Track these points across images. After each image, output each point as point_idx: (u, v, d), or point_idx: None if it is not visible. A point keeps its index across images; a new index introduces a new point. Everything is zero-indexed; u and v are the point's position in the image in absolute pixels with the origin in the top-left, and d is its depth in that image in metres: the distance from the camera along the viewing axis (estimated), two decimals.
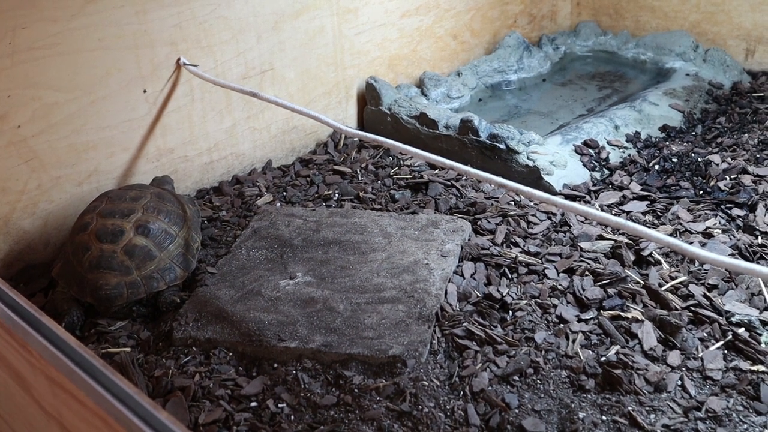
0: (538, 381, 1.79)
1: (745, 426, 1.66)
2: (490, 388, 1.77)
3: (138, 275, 2.06)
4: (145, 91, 2.45)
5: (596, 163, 2.74)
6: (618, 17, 3.94)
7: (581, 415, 1.69)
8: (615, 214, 2.42)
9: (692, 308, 1.99)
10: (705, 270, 2.14)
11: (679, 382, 1.78)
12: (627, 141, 2.89)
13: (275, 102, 2.35)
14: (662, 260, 2.19)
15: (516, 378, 1.80)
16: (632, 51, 3.77)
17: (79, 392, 1.17)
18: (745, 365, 1.81)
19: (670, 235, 2.23)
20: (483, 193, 2.61)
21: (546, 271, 2.17)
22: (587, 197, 2.58)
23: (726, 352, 1.87)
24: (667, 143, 2.88)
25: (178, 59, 2.51)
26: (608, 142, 2.85)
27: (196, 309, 2.03)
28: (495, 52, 3.73)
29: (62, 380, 1.21)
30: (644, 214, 2.45)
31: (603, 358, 1.84)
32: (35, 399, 1.36)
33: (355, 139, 3.05)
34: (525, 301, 2.05)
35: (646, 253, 2.21)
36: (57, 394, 1.26)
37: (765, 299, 2.01)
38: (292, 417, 1.71)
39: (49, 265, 2.26)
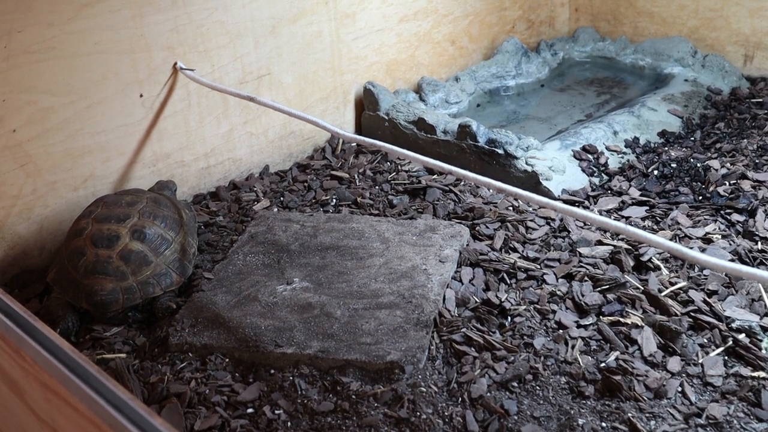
0: (537, 387, 1.78)
1: None
2: (488, 394, 1.76)
3: (134, 280, 2.04)
4: (141, 96, 2.44)
5: (595, 169, 2.73)
6: (616, 23, 3.94)
7: (581, 421, 1.67)
8: (614, 220, 2.41)
9: (692, 314, 1.98)
10: (705, 275, 2.13)
11: (680, 389, 1.76)
12: (626, 146, 2.88)
13: (272, 107, 2.34)
14: (662, 266, 2.17)
15: (515, 384, 1.79)
16: (631, 57, 3.77)
17: (72, 398, 1.16)
18: (745, 371, 1.80)
19: (670, 240, 2.22)
20: (481, 198, 2.60)
21: (545, 276, 2.16)
22: (586, 202, 2.57)
23: (726, 358, 1.85)
24: (666, 149, 2.87)
25: (175, 64, 2.50)
26: (607, 148, 2.84)
27: (192, 314, 2.02)
28: (493, 57, 3.72)
29: (56, 386, 1.20)
30: (643, 219, 2.44)
31: (602, 364, 1.83)
32: (28, 405, 1.35)
33: (353, 144, 3.04)
34: (524, 307, 2.03)
35: (645, 258, 2.20)
36: (50, 400, 1.24)
37: (765, 305, 2.00)
38: (289, 423, 1.70)
39: (45, 270, 2.24)
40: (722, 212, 2.42)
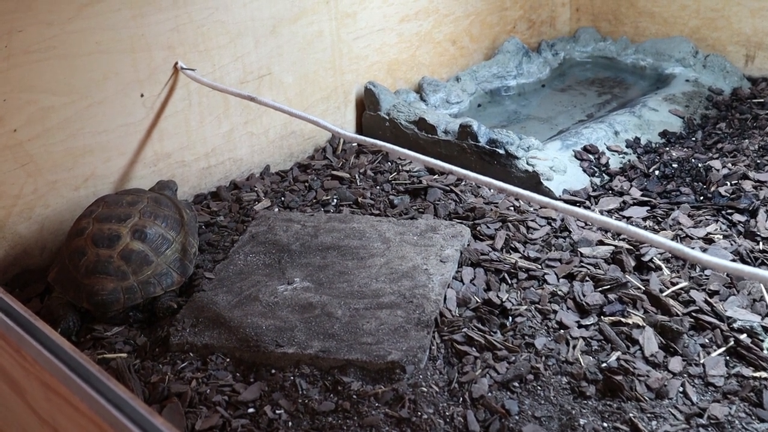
0: (539, 387, 1.78)
1: None
2: (489, 394, 1.76)
3: (135, 280, 2.04)
4: (142, 96, 2.44)
5: (596, 169, 2.72)
6: (617, 23, 3.94)
7: (582, 421, 1.67)
8: (615, 220, 2.41)
9: (693, 314, 1.97)
10: (706, 276, 2.13)
11: (681, 389, 1.76)
12: (627, 146, 2.88)
13: (273, 106, 2.34)
14: (663, 266, 2.17)
15: (516, 384, 1.79)
16: (632, 57, 3.76)
17: (73, 397, 1.16)
18: (747, 372, 1.80)
19: (671, 240, 2.21)
20: (482, 198, 2.59)
21: (546, 276, 2.15)
22: (587, 203, 2.57)
23: (728, 358, 1.85)
24: (667, 149, 2.87)
25: (176, 63, 2.50)
26: (608, 148, 2.84)
27: (193, 314, 2.01)
28: (494, 57, 3.72)
29: (57, 385, 1.20)
30: (644, 219, 2.44)
31: (604, 365, 1.83)
32: (29, 404, 1.35)
33: (354, 144, 3.04)
34: (525, 307, 2.03)
35: (646, 258, 2.19)
36: (51, 400, 1.24)
37: (767, 305, 1.99)
38: (290, 423, 1.70)
39: (45, 270, 2.24)
40: (723, 212, 2.41)
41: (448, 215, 2.51)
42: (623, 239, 2.30)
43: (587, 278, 2.13)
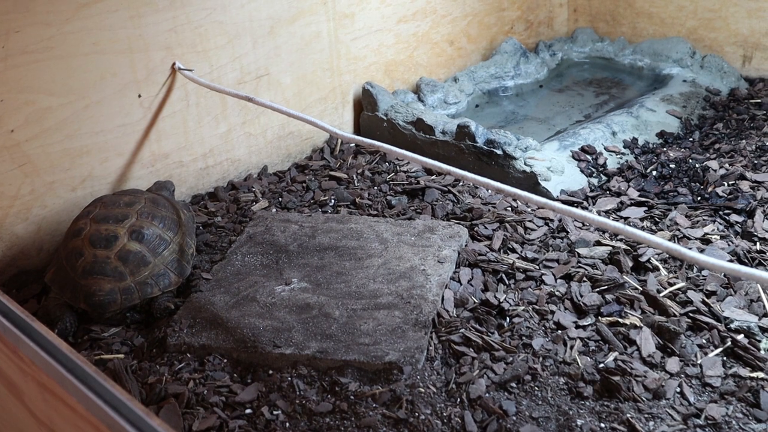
0: (536, 388, 1.78)
1: None
2: (487, 395, 1.76)
3: (132, 281, 2.04)
4: (139, 96, 2.44)
5: (593, 169, 2.73)
6: (615, 23, 3.94)
7: (579, 422, 1.67)
8: (613, 220, 2.41)
9: (691, 314, 1.98)
10: (703, 276, 2.13)
11: (678, 389, 1.76)
12: (624, 147, 2.88)
13: (271, 107, 2.34)
14: (660, 266, 2.17)
15: (513, 385, 1.79)
16: (629, 57, 3.77)
17: (70, 398, 1.16)
18: (744, 372, 1.80)
19: (669, 240, 2.21)
20: (480, 199, 2.59)
21: (543, 277, 2.15)
22: (585, 203, 2.57)
23: (725, 358, 1.85)
24: (665, 149, 2.87)
25: (173, 64, 2.49)
26: (605, 148, 2.84)
27: (190, 315, 2.01)
28: (492, 58, 3.72)
29: (53, 386, 1.20)
30: (642, 220, 2.44)
31: (601, 365, 1.83)
32: (26, 405, 1.34)
33: (352, 144, 3.04)
34: (522, 308, 2.03)
35: (644, 259, 2.19)
36: (48, 401, 1.24)
37: (764, 305, 2.00)
38: (287, 424, 1.69)
39: (42, 270, 2.24)
40: (721, 213, 2.42)
41: (445, 216, 2.51)
42: (621, 240, 2.30)
43: (585, 279, 2.13)
